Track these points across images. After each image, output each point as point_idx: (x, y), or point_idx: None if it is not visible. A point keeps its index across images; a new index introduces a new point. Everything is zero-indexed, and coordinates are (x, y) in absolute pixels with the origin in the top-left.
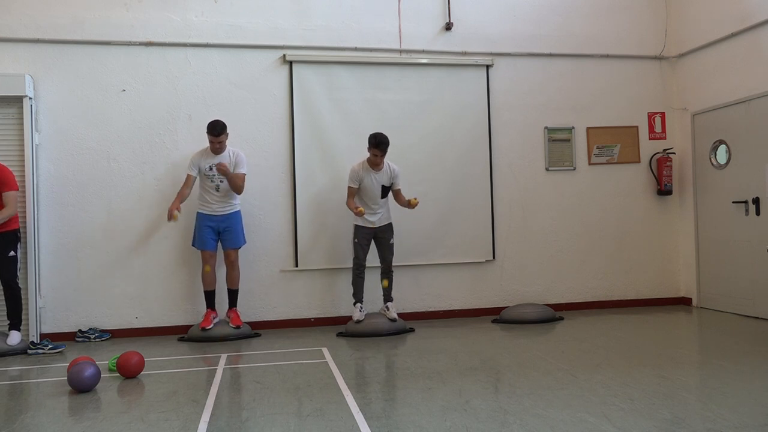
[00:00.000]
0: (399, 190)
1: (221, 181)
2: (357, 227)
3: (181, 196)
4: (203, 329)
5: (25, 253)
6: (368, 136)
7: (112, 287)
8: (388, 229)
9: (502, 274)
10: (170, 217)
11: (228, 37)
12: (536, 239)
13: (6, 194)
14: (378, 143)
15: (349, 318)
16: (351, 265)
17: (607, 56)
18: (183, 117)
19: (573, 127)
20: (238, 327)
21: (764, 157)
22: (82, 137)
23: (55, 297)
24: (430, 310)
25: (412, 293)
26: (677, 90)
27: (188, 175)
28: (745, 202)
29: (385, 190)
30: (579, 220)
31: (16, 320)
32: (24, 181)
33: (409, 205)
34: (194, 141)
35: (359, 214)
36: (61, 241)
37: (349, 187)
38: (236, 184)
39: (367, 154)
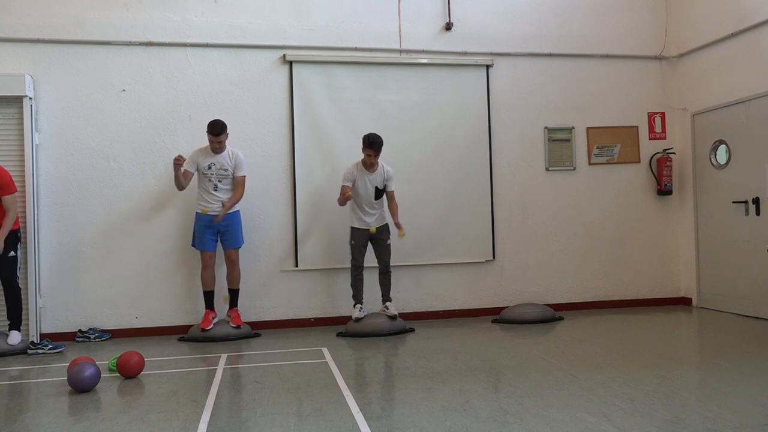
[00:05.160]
0: (392, 192)
1: (219, 181)
2: (353, 229)
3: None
4: (203, 330)
5: (25, 253)
6: (362, 136)
7: (112, 287)
8: (385, 229)
9: (502, 274)
10: (177, 161)
11: (228, 37)
12: (536, 239)
13: (5, 198)
14: (371, 143)
15: (349, 318)
16: (350, 266)
17: (607, 56)
18: (183, 117)
19: (573, 127)
20: (238, 327)
21: (764, 157)
22: (82, 137)
23: (55, 297)
24: (431, 310)
25: (413, 293)
26: (677, 90)
27: (185, 170)
28: (745, 202)
29: (378, 192)
30: (579, 220)
31: (16, 320)
32: (24, 181)
33: (397, 228)
34: (194, 141)
35: (346, 197)
36: (61, 241)
37: (343, 186)
38: (236, 201)
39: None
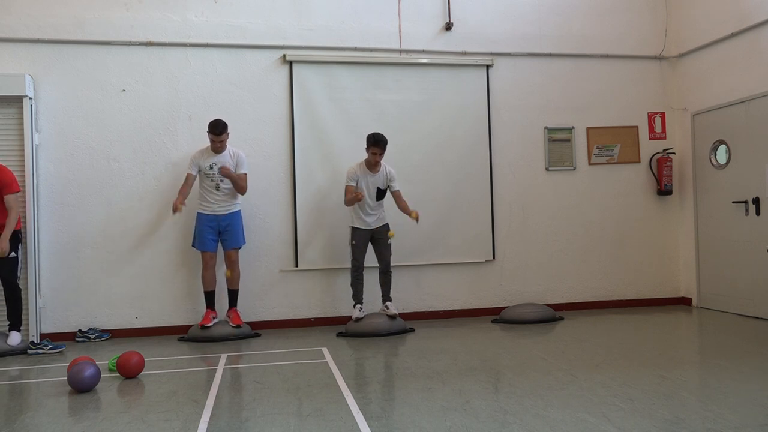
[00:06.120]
0: (398, 191)
1: (221, 181)
2: (354, 229)
3: (183, 194)
4: (203, 327)
5: (25, 253)
6: (366, 136)
7: (112, 287)
8: (385, 229)
9: (502, 274)
10: (175, 209)
11: (228, 37)
12: (536, 239)
13: (7, 197)
14: (377, 141)
15: (349, 318)
16: (350, 266)
17: (607, 56)
18: (183, 117)
19: (573, 127)
20: (238, 326)
21: (764, 157)
22: (82, 137)
23: (55, 297)
24: (431, 310)
25: (413, 293)
26: (677, 90)
27: (188, 174)
28: (745, 202)
29: (380, 193)
30: (579, 220)
31: (16, 320)
32: (24, 181)
33: (410, 216)
34: (194, 141)
35: (357, 197)
36: (61, 241)
37: (347, 186)
38: (240, 186)
39: (365, 156)
